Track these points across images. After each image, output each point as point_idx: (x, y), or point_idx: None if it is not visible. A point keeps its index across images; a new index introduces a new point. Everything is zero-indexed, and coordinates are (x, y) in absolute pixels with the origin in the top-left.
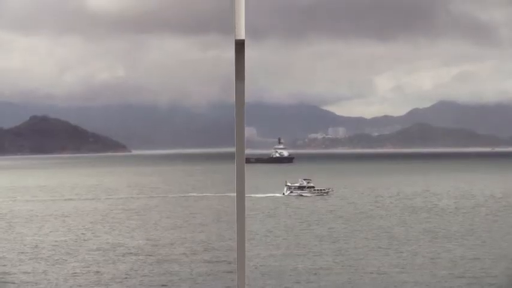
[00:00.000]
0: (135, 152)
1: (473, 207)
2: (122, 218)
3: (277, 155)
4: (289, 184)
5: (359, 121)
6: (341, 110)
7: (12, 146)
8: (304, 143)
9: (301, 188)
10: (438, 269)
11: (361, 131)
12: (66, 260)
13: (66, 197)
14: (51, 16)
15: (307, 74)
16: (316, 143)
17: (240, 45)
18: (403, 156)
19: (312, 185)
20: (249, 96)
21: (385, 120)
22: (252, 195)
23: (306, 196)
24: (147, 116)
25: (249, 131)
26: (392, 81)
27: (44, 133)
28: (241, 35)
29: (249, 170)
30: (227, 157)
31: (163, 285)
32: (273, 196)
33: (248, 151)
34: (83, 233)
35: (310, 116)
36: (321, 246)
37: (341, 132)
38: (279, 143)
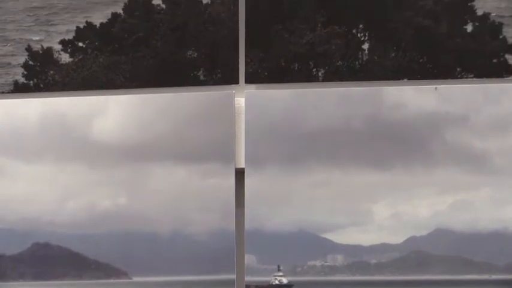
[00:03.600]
0: (135, 279)
1: None
2: None
3: (277, 282)
4: None
5: (357, 249)
6: (339, 237)
7: (13, 272)
8: (303, 270)
9: None
10: None
11: (359, 258)
12: None
13: None
14: (54, 144)
15: (307, 202)
16: (315, 270)
17: (240, 174)
18: (401, 284)
19: None
20: (249, 223)
21: (383, 247)
22: None
23: None
24: (148, 244)
25: (249, 258)
26: (389, 209)
27: (46, 260)
28: (241, 164)
29: None
30: (227, 284)
31: None
32: None
33: (248, 278)
34: None
35: (309, 243)
36: None
37: (339, 259)
38: (279, 270)
